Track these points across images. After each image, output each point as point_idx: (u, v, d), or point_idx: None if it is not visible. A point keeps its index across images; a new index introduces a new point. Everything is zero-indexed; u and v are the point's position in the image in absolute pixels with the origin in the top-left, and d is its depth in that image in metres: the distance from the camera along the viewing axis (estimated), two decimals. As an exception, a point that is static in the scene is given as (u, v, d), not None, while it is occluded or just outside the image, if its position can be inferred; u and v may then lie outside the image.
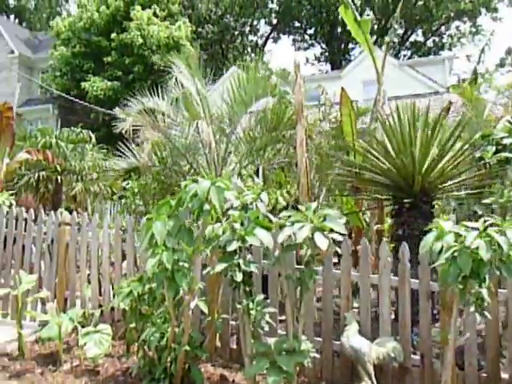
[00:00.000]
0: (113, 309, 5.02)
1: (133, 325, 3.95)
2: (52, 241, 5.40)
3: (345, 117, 6.41)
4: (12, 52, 25.47)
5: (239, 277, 3.31)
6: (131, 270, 4.89)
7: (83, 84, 20.18)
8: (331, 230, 3.21)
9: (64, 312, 5.18)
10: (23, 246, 5.66)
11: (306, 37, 33.96)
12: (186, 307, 3.37)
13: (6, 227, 5.77)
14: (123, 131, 5.69)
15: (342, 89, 6.47)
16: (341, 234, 3.23)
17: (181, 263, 3.13)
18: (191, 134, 5.88)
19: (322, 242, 3.13)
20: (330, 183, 6.16)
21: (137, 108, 6.10)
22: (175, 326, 3.41)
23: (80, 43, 21.55)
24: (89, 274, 5.22)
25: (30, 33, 30.78)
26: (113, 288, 5.11)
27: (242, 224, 3.33)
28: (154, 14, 21.21)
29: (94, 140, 9.33)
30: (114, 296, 5.05)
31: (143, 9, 21.05)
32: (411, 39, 32.40)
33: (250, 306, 3.42)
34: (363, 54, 20.89)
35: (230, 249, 3.27)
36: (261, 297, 3.51)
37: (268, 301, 3.76)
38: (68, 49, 21.49)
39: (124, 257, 5.11)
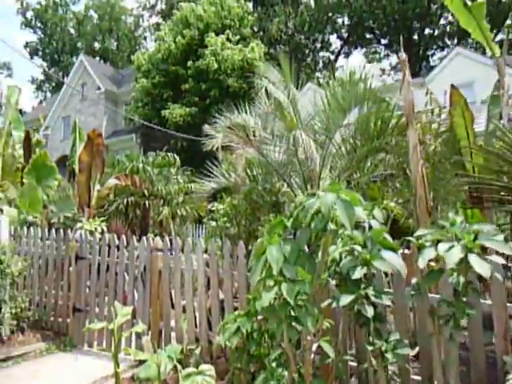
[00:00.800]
0: (210, 342, 4.58)
1: (238, 365, 3.43)
2: (144, 268, 5.11)
3: (457, 118, 5.56)
4: (99, 88, 27.27)
5: (370, 311, 2.67)
6: (229, 300, 4.41)
7: (163, 112, 20.85)
8: (483, 250, 2.52)
9: (158, 346, 4.82)
10: (115, 274, 5.45)
11: (379, 48, 32.84)
12: (307, 350, 2.77)
13: (99, 254, 5.61)
14: (213, 149, 5.40)
15: (453, 86, 5.64)
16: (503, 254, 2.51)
17: (303, 297, 2.55)
18: (285, 148, 5.38)
19: (481, 266, 2.41)
20: (446, 194, 5.31)
21: (224, 125, 5.75)
22: (294, 372, 2.82)
23: (159, 74, 22.41)
24: (183, 304, 4.84)
25: (114, 70, 32.95)
26: (208, 320, 4.66)
27: (363, 246, 2.73)
28: (227, 39, 21.55)
29: (178, 162, 9.25)
30: (210, 328, 4.60)
31: (217, 35, 21.48)
32: None
33: (384, 347, 2.76)
34: (449, 57, 19.48)
35: (354, 276, 2.66)
36: (396, 336, 2.83)
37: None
38: (148, 80, 22.43)
39: (219, 284, 4.67)
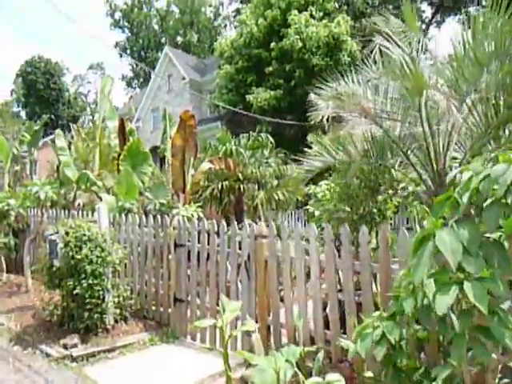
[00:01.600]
0: (328, 342, 3.96)
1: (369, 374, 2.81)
2: (248, 256, 4.61)
3: None
4: (184, 78, 27.76)
5: None
6: (351, 295, 3.74)
7: (248, 97, 20.52)
8: None
9: (267, 344, 4.32)
10: (217, 262, 5.04)
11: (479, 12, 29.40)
12: (490, 371, 2.03)
13: (199, 242, 5.23)
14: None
15: None
16: None
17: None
18: (405, 117, 4.52)
19: None
20: None
21: (332, 93, 5.02)
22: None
23: (242, 59, 22.09)
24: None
25: (197, 59, 33.42)
26: (325, 314, 4.04)
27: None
28: (311, 16, 20.54)
29: (272, 143, 8.71)
30: (327, 326, 3.98)
31: (299, 12, 20.56)
32: None
33: None
34: None
35: None
36: None
37: None
38: (231, 66, 22.24)
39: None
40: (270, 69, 20.88)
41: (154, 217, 5.95)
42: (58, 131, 7.45)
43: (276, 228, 4.49)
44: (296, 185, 8.07)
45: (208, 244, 5.08)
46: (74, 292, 4.85)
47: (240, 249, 4.77)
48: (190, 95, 27.29)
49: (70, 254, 4.89)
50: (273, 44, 20.90)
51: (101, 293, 5.02)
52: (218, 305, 4.93)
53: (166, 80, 29.81)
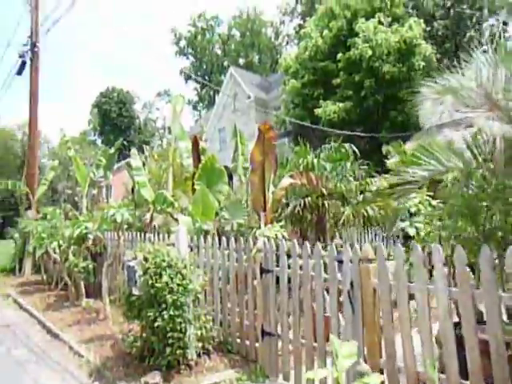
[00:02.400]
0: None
1: None
2: (351, 284, 3.89)
3: None
4: (249, 97, 27.77)
5: None
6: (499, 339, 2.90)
7: (316, 111, 19.89)
8: None
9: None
10: (311, 291, 4.36)
11: None
12: None
13: (289, 267, 4.59)
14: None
15: None
16: None
17: None
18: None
19: None
20: None
21: (445, 86, 4.22)
22: None
23: (307, 72, 21.61)
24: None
25: (261, 77, 33.46)
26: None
27: None
28: (379, 23, 19.62)
29: (356, 153, 7.95)
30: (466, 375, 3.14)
31: (366, 20, 19.74)
32: None
33: None
34: None
35: None
36: None
37: None
38: (297, 81, 21.81)
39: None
40: (338, 80, 20.18)
41: (236, 239, 5.42)
42: (134, 151, 7.27)
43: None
44: (386, 199, 7.22)
45: (300, 269, 4.43)
46: (155, 324, 4.38)
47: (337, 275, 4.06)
48: (255, 113, 27.19)
49: (150, 282, 4.45)
50: (339, 55, 20.22)
51: (183, 325, 4.52)
52: (315, 340, 4.26)
53: (232, 100, 30.07)
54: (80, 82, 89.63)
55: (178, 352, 4.53)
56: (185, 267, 4.71)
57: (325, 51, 21.25)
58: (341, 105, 19.51)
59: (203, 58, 59.12)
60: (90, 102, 61.77)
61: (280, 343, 4.64)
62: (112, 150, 12.92)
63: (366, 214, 6.83)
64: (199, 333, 4.85)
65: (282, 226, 5.78)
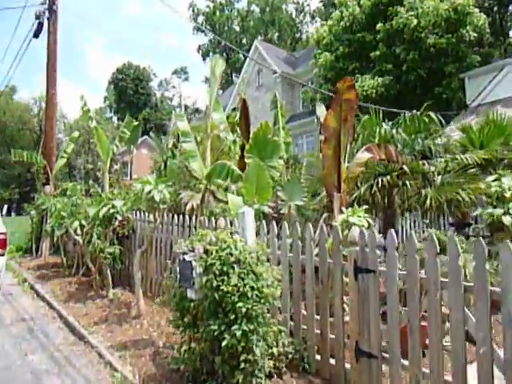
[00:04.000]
0: None
1: None
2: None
3: None
4: (275, 72, 26.23)
5: None
6: None
7: (351, 85, 18.32)
8: None
9: None
10: (439, 303, 3.12)
11: None
12: None
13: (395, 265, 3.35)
14: None
15: None
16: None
17: None
18: None
19: None
20: None
21: None
22: None
23: (342, 45, 20.01)
24: None
25: (287, 52, 31.75)
26: None
27: None
28: (426, -11, 17.84)
29: (442, 124, 6.57)
30: None
31: (411, -14, 17.96)
32: None
33: None
34: None
35: None
36: None
37: None
38: (331, 54, 20.23)
39: None
40: (377, 53, 18.53)
41: (305, 225, 4.19)
42: (179, 112, 5.97)
43: None
44: (476, 181, 5.90)
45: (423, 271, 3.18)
46: (223, 343, 3.19)
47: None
48: (281, 90, 25.67)
49: (214, 283, 3.25)
50: (379, 25, 18.52)
51: (259, 343, 3.33)
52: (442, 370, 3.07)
53: (256, 75, 28.59)
54: (93, 61, 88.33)
55: (248, 379, 3.35)
56: (258, 263, 3.49)
57: (362, 21, 19.59)
58: (380, 79, 17.93)
59: (221, 34, 57.31)
60: (106, 80, 60.72)
61: (386, 368, 3.44)
62: (136, 123, 11.71)
63: (460, 197, 5.52)
64: (275, 351, 3.66)
65: (366, 211, 4.50)
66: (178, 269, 3.57)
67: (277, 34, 55.49)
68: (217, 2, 57.37)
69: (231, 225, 5.06)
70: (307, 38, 53.18)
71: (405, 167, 5.74)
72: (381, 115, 6.83)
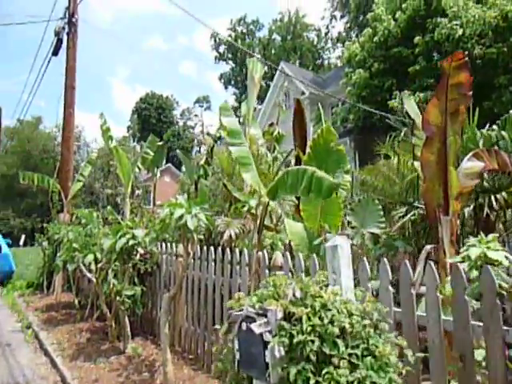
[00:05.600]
0: None
1: None
2: None
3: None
4: (303, 93, 25.12)
5: None
6: None
7: (390, 102, 16.95)
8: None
9: None
10: None
11: None
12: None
13: None
14: None
15: None
16: None
17: None
18: None
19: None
20: None
21: None
22: None
23: (377, 61, 18.78)
24: None
25: (314, 74, 30.77)
26: None
27: None
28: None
29: None
30: None
31: (452, -3, 16.71)
32: None
33: None
34: None
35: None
36: None
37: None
38: (364, 71, 19.01)
39: None
40: (417, 67, 17.19)
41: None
42: (224, 103, 4.60)
43: None
44: None
45: None
46: None
47: None
48: (309, 112, 24.48)
49: (311, 379, 1.77)
50: (417, 38, 17.26)
51: None
52: None
53: (283, 98, 27.58)
54: (116, 92, 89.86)
55: None
56: (376, 335, 2.00)
57: (397, 36, 18.37)
58: (421, 94, 16.49)
59: (243, 62, 57.26)
60: (129, 111, 61.37)
61: None
62: (161, 143, 10.53)
63: None
64: None
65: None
66: (236, 343, 2.12)
67: (298, 61, 55.13)
68: (238, 31, 57.77)
69: (293, 263, 3.63)
70: (329, 64, 52.59)
71: (525, 180, 4.24)
72: (476, 115, 5.36)
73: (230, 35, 55.90)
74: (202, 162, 7.21)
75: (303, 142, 5.51)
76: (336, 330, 1.89)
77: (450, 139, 3.55)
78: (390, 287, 2.88)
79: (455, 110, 3.55)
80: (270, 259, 4.06)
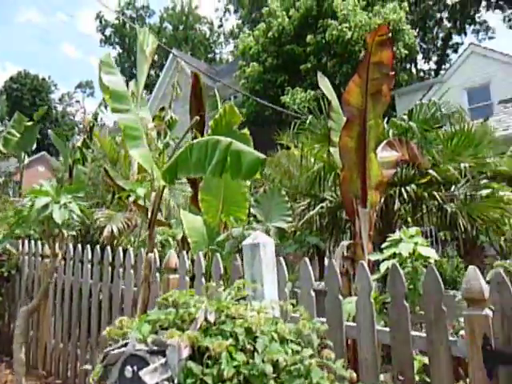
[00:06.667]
0: None
1: None
2: None
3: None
4: (195, 84, 24.30)
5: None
6: None
7: (283, 98, 17.09)
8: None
9: None
10: None
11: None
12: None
13: None
14: None
15: None
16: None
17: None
18: None
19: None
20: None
21: None
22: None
23: (271, 56, 18.81)
24: None
25: (207, 65, 30.09)
26: None
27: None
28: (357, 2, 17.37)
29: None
30: None
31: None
32: None
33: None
34: (464, 55, 15.71)
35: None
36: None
37: None
38: (259, 64, 18.93)
39: None
40: (308, 65, 17.56)
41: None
42: (106, 55, 3.61)
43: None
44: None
45: None
46: None
47: None
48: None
49: None
50: (309, 37, 17.66)
51: None
52: None
53: (172, 89, 26.35)
54: (-16, 67, 78.99)
55: None
56: (311, 368, 1.44)
57: (291, 33, 18.60)
58: (312, 93, 16.88)
59: (131, 49, 54.29)
60: (-2, 88, 54.39)
61: None
62: (30, 123, 9.00)
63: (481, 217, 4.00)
64: None
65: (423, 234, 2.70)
66: (116, 394, 1.39)
67: (190, 53, 53.98)
68: (127, 15, 54.59)
69: (193, 264, 2.97)
70: (221, 59, 52.38)
71: (432, 172, 4.11)
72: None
73: (117, 18, 52.49)
74: (78, 144, 6.10)
75: (201, 122, 4.84)
76: (268, 369, 1.29)
77: (370, 123, 3.20)
78: (312, 292, 2.38)
79: (377, 90, 3.20)
80: (161, 259, 3.33)
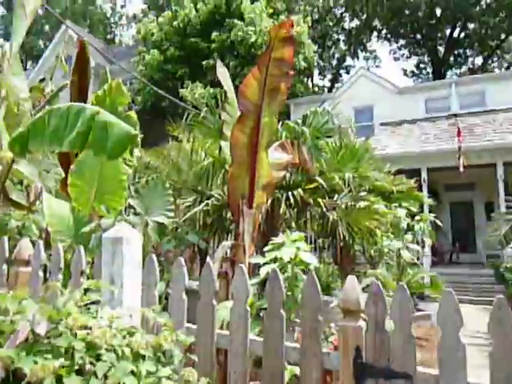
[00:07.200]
0: None
1: None
2: None
3: None
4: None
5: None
6: None
7: (181, 91, 16.61)
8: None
9: None
10: None
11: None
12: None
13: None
14: None
15: None
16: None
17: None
18: None
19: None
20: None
21: None
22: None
23: (173, 46, 18.21)
24: None
25: (104, 44, 28.11)
26: None
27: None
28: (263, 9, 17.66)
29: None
30: None
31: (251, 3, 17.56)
32: None
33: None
34: (356, 76, 17.67)
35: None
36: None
37: None
38: (160, 53, 18.18)
39: None
40: (211, 62, 17.33)
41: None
42: None
43: None
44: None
45: None
46: None
47: None
48: (95, 82, 22.13)
49: None
50: (214, 34, 17.49)
51: None
52: None
53: (63, 63, 24.10)
54: None
55: None
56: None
57: (197, 26, 18.23)
58: (211, 90, 16.71)
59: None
60: None
61: None
62: None
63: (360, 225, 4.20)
64: None
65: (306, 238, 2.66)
66: None
67: (88, 30, 50.26)
68: (12, -24, 48.87)
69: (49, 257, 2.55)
70: (121, 42, 49.57)
71: (319, 179, 4.15)
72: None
73: (4, -25, 46.70)
74: None
75: (83, 97, 4.30)
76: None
77: (265, 120, 3.07)
78: (184, 295, 2.14)
79: (274, 87, 3.09)
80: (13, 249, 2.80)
